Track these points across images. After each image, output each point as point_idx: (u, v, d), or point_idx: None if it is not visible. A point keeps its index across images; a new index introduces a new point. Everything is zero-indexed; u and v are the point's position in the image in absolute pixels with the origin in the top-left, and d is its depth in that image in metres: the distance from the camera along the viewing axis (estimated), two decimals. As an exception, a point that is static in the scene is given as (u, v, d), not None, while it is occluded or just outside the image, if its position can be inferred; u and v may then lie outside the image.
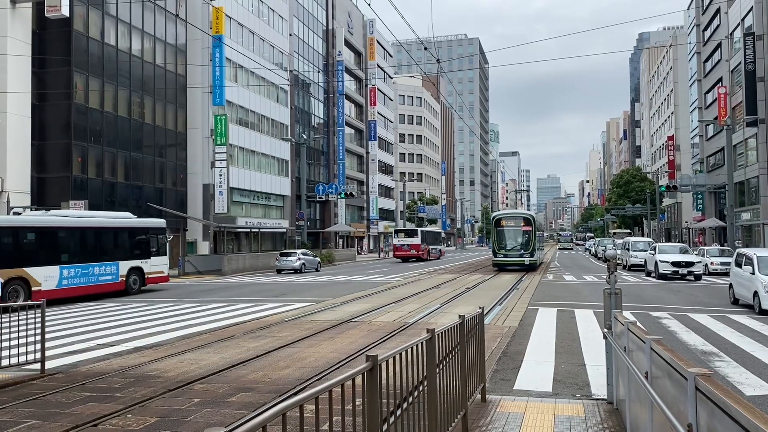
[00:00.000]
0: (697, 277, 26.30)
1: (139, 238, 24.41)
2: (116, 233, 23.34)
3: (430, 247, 54.10)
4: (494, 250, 33.72)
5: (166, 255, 25.89)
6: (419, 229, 54.93)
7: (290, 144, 54.69)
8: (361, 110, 78.57)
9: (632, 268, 33.15)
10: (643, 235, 75.89)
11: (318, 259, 40.54)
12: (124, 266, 22.94)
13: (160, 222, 26.70)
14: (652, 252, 28.46)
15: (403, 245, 50.95)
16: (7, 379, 8.28)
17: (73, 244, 21.17)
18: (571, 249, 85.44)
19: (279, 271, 36.70)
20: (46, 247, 20.16)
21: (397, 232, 54.20)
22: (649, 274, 28.51)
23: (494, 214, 36.46)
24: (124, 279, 22.90)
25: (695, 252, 32.05)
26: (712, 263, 29.07)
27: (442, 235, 74.51)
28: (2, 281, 17.79)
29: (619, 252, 39.95)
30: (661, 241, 62.64)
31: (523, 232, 32.94)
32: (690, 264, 26.15)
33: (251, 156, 50.87)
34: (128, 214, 25.67)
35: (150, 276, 24.42)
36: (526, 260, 32.40)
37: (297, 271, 36.39)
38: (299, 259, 36.99)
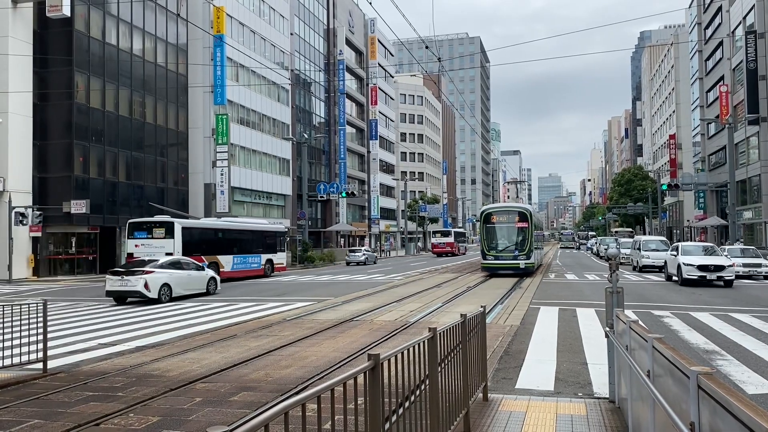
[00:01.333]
0: (728, 283, 22.49)
1: (271, 238, 33.26)
2: (260, 234, 32.42)
3: (459, 244, 66.22)
4: (483, 250, 28.44)
5: (285, 251, 35.63)
6: (452, 230, 68.44)
7: (291, 143, 54.70)
8: (363, 109, 78.55)
9: (644, 269, 30.49)
10: (644, 234, 75.81)
11: (375, 254, 47.33)
12: (264, 258, 31.87)
13: (283, 227, 36.84)
14: (674, 253, 24.31)
15: (440, 243, 63.61)
16: (10, 379, 8.29)
17: (239, 241, 30.46)
18: (573, 248, 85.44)
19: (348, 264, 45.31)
20: (226, 242, 29.42)
21: (434, 232, 68.26)
22: (669, 278, 24.75)
23: (483, 207, 30.16)
24: (263, 267, 31.68)
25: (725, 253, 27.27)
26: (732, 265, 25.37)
27: (466, 234, 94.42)
28: (207, 263, 25.03)
29: (627, 252, 37.96)
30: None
31: (518, 230, 27.74)
32: (720, 268, 22.26)
33: (252, 155, 50.89)
34: (264, 221, 37.50)
35: (277, 266, 33.26)
36: (521, 263, 27.29)
37: (361, 263, 44.93)
38: (363, 254, 46.11)
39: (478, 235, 32.10)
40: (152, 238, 26.05)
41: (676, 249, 24.62)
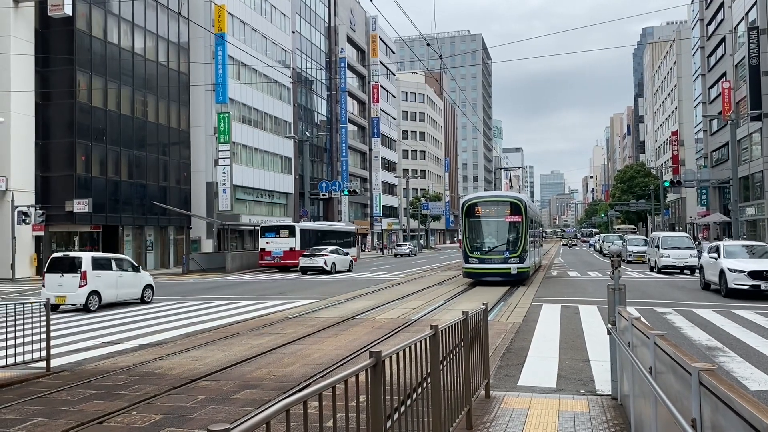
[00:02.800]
0: None
1: (349, 236, 43.92)
2: (343, 233, 43.29)
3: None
4: (465, 251, 22.36)
5: (356, 246, 46.73)
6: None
7: (293, 141, 54.71)
8: (364, 107, 78.52)
9: (664, 270, 27.35)
10: (647, 231, 75.65)
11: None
12: (350, 251, 39.20)
13: (354, 227, 48.69)
14: (714, 255, 19.06)
15: None
16: (13, 377, 8.31)
17: (333, 239, 39.42)
18: (575, 245, 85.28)
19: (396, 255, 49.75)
20: (324, 240, 38.15)
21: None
22: (707, 286, 19.90)
23: (466, 197, 24.03)
24: (351, 259, 36.72)
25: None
26: None
27: None
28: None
29: (636, 249, 36.37)
30: None
31: (509, 225, 22.08)
32: None
33: (254, 154, 50.91)
34: (340, 223, 49.31)
35: (352, 258, 38.50)
36: (513, 268, 21.43)
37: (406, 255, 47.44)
38: (408, 247, 50.98)
39: (460, 232, 24.75)
40: (279, 237, 35.37)
41: (717, 250, 19.28)
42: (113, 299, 17.82)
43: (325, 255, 31.81)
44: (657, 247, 28.06)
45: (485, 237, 22.35)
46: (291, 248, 34.53)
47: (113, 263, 18.18)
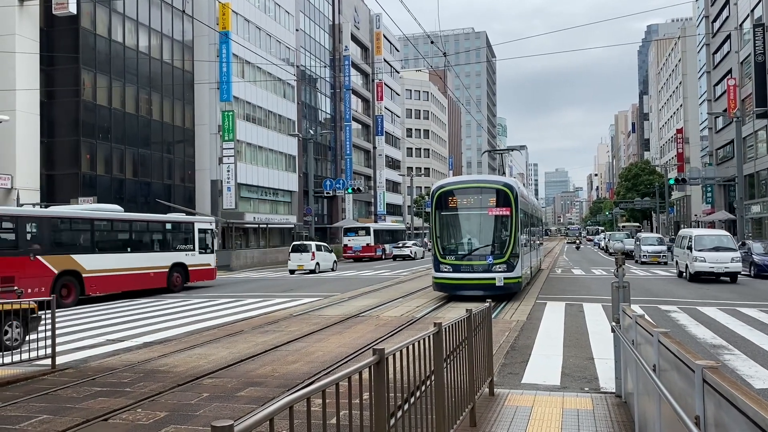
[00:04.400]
0: None
1: (403, 233, 56.56)
2: (400, 231, 55.35)
3: None
4: (436, 255, 16.79)
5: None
6: None
7: (297, 139, 54.71)
8: (368, 105, 78.48)
9: (698, 277, 21.96)
10: (651, 229, 75.41)
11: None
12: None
13: (403, 225, 61.53)
14: None
15: None
16: (19, 375, 8.35)
17: (394, 236, 51.44)
18: (581, 245, 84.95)
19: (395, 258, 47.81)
20: (391, 237, 50.38)
21: None
22: None
23: (438, 183, 18.01)
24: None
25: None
26: None
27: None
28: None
29: (651, 249, 33.73)
30: (670, 235, 62.23)
31: (495, 221, 16.60)
32: None
33: (259, 152, 50.95)
34: (396, 223, 58.24)
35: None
36: (498, 277, 16.04)
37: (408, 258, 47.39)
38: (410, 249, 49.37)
39: (429, 229, 19.01)
40: (358, 236, 45.49)
41: None
42: (325, 268, 32.32)
43: (410, 246, 46.19)
44: (689, 248, 22.23)
45: (462, 236, 16.88)
46: (367, 244, 45.03)
47: (322, 248, 33.18)
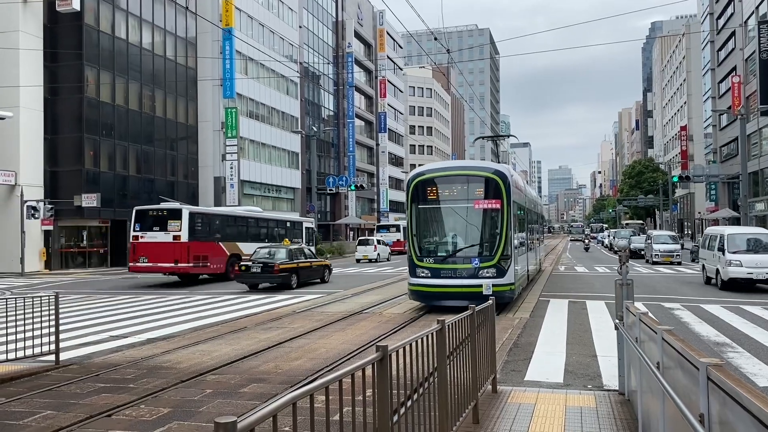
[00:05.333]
0: None
1: None
2: None
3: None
4: (412, 257, 14.15)
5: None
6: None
7: (300, 136, 54.71)
8: (371, 102, 78.43)
9: (732, 283, 18.18)
10: (655, 227, 75.23)
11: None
12: None
13: None
14: None
15: None
16: (22, 370, 8.37)
17: None
18: (589, 243, 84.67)
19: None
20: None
21: None
22: None
23: (415, 170, 15.14)
24: None
25: None
26: None
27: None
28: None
29: (663, 248, 31.20)
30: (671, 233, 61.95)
31: (483, 216, 13.96)
32: None
33: (262, 148, 50.97)
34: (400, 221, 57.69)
35: None
36: (486, 283, 13.34)
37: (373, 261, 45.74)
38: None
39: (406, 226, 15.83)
40: (388, 232, 49.99)
41: None
42: (383, 258, 39.41)
43: None
44: (720, 249, 18.88)
45: (443, 234, 14.25)
46: (398, 239, 48.76)
47: (381, 242, 40.34)
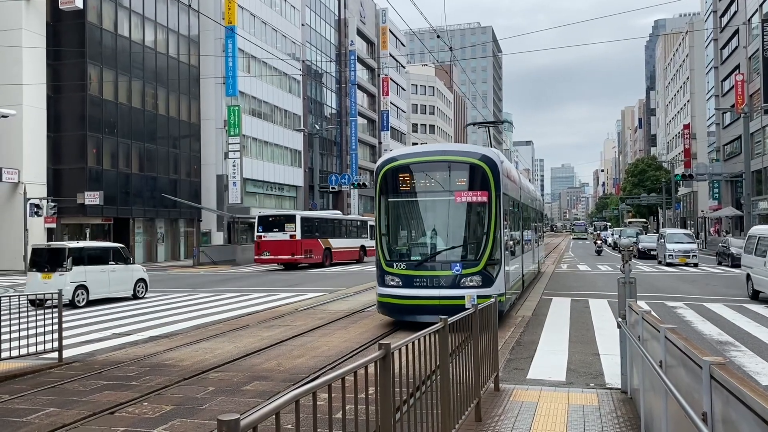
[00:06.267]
0: None
1: None
2: None
3: None
4: (381, 261, 11.70)
5: None
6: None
7: (303, 134, 54.72)
8: (374, 100, 78.39)
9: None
10: (658, 225, 75.08)
11: None
12: None
13: None
14: None
15: None
16: (26, 368, 8.39)
17: None
18: (586, 239, 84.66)
19: None
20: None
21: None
22: None
23: (386, 156, 12.46)
24: None
25: None
26: None
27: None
28: None
29: (685, 248, 28.23)
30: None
31: (468, 210, 11.66)
32: None
33: (264, 147, 50.99)
34: None
35: None
36: (470, 294, 10.67)
37: None
38: None
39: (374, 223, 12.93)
40: None
41: None
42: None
43: None
44: (756, 252, 15.68)
45: (417, 233, 11.92)
46: None
47: None
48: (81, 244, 17.33)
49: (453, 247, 11.30)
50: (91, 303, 16.50)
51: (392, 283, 11.30)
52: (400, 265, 11.32)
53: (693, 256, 28.37)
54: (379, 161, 12.20)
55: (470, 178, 11.46)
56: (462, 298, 10.63)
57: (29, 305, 11.44)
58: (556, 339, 10.34)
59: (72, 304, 15.72)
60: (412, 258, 11.42)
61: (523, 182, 17.17)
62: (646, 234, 44.55)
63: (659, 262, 30.19)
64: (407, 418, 3.64)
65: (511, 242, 13.38)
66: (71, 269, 16.05)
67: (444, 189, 11.52)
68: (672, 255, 28.41)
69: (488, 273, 11.09)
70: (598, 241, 43.67)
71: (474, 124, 20.18)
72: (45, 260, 16.50)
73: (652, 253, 33.47)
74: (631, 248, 9.33)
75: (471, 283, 10.94)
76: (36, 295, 10.96)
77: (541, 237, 25.84)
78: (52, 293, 9.17)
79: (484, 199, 11.29)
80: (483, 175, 11.36)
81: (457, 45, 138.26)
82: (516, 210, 14.68)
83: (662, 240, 30.55)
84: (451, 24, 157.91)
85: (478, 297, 9.98)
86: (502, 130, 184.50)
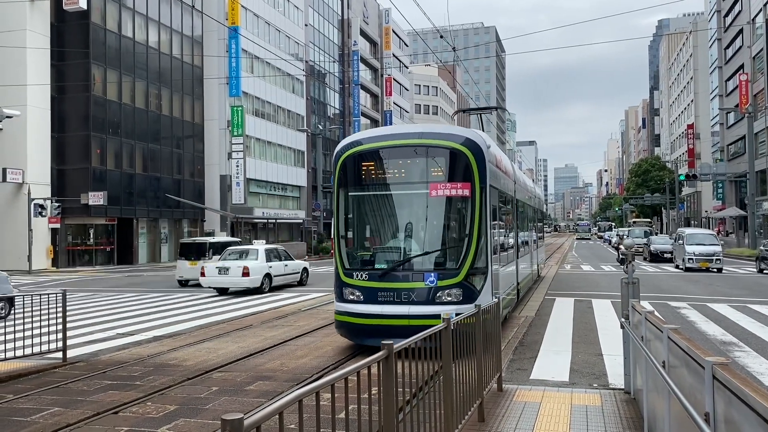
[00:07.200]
0: None
1: None
2: None
3: None
4: (338, 269, 9.43)
5: None
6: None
7: (306, 135, 54.77)
8: (377, 100, 78.42)
9: None
10: (662, 225, 74.90)
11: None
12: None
13: None
14: None
15: None
16: (30, 367, 8.42)
17: None
18: (590, 239, 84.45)
19: None
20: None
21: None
22: None
23: (347, 140, 9.99)
24: None
25: None
26: None
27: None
28: None
29: (707, 250, 25.15)
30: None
31: (446, 207, 9.37)
32: None
33: (267, 147, 51.05)
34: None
35: None
36: (447, 312, 5.55)
37: None
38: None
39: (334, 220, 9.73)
40: None
41: None
42: None
43: None
44: None
45: (384, 235, 9.75)
46: None
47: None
48: (215, 239, 23.46)
49: (427, 253, 9.11)
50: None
51: (352, 297, 9.17)
52: (362, 275, 9.13)
53: (717, 260, 25.18)
54: (339, 145, 9.92)
55: (450, 166, 9.22)
56: (437, 316, 6.24)
57: (179, 284, 21.82)
58: (559, 339, 10.33)
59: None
60: (377, 266, 9.20)
61: (518, 175, 15.22)
62: (658, 235, 41.80)
63: (676, 266, 27.32)
64: (410, 418, 3.65)
65: (503, 246, 11.37)
66: (212, 258, 20.75)
67: (417, 180, 9.36)
68: (692, 259, 25.23)
69: (470, 285, 8.92)
70: (621, 246, 29.86)
71: (464, 111, 17.50)
72: (191, 251, 21.71)
73: (665, 255, 30.66)
74: (633, 248, 9.28)
75: (449, 298, 8.81)
76: (183, 277, 21.39)
77: (541, 238, 23.81)
78: (50, 292, 9.19)
79: (466, 192, 9.08)
80: (465, 163, 9.13)
81: (460, 45, 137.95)
82: (509, 207, 12.75)
83: (680, 241, 26.97)
84: (454, 24, 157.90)
85: (460, 310, 7.49)
86: (505, 130, 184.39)
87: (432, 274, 8.85)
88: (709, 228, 58.22)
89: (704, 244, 25.73)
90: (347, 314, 9.17)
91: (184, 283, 21.59)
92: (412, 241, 9.25)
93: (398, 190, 9.45)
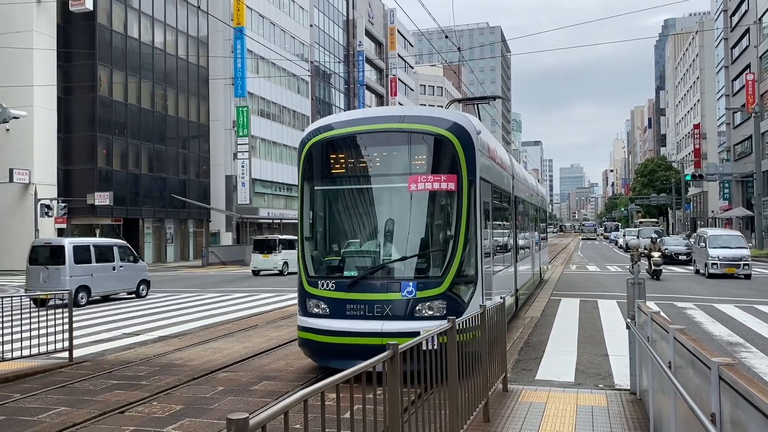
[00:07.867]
0: None
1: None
2: None
3: None
4: (302, 277, 7.98)
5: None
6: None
7: (311, 135, 54.77)
8: (382, 101, 78.41)
9: None
10: (668, 226, 74.65)
11: None
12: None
13: None
14: None
15: None
16: (37, 367, 8.46)
17: None
18: (595, 239, 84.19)
19: None
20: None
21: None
22: None
23: (314, 125, 8.48)
24: None
25: None
26: None
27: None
28: None
29: (735, 254, 22.11)
30: (686, 232, 61.21)
31: (429, 204, 7.87)
32: None
33: (273, 147, 51.13)
34: None
35: None
36: (426, 329, 4.77)
37: None
38: None
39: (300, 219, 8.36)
40: None
41: None
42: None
43: None
44: None
45: (353, 237, 8.26)
46: None
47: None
48: (284, 236, 27.70)
49: (404, 258, 7.67)
50: (291, 274, 25.54)
51: (316, 310, 7.77)
52: (328, 284, 7.71)
53: (744, 265, 22.05)
54: (307, 130, 8.55)
55: (432, 155, 7.77)
56: (416, 334, 4.93)
57: (252, 274, 26.28)
58: (564, 340, 10.30)
59: (280, 273, 26.70)
60: (346, 274, 7.77)
61: (517, 168, 13.64)
62: (669, 235, 40.48)
63: (696, 272, 24.29)
64: (415, 418, 3.65)
65: (497, 248, 10.09)
66: (281, 252, 26.41)
67: (395, 172, 7.91)
68: (716, 264, 22.15)
69: (456, 296, 7.48)
70: (655, 254, 22.08)
71: (459, 101, 15.49)
72: (265, 246, 26.91)
73: (680, 258, 28.78)
74: (639, 249, 9.24)
75: (430, 312, 7.36)
76: (257, 268, 26.96)
77: (544, 239, 22.02)
78: (57, 292, 9.23)
79: (452, 186, 7.65)
80: (451, 152, 7.68)
81: (466, 45, 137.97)
82: (505, 204, 11.25)
83: (702, 244, 23.67)
84: (460, 24, 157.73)
85: (440, 336, 4.86)
86: (511, 130, 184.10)
87: (410, 284, 7.42)
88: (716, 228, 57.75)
89: (730, 247, 22.71)
90: (310, 330, 7.75)
91: (256, 273, 26.80)
92: (387, 244, 7.82)
93: (372, 184, 7.99)
